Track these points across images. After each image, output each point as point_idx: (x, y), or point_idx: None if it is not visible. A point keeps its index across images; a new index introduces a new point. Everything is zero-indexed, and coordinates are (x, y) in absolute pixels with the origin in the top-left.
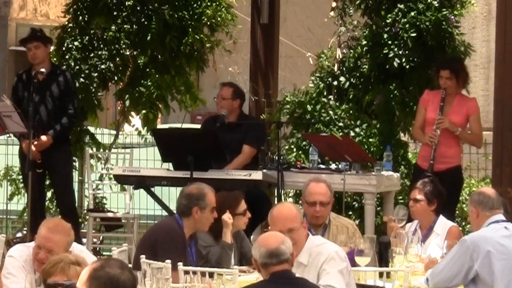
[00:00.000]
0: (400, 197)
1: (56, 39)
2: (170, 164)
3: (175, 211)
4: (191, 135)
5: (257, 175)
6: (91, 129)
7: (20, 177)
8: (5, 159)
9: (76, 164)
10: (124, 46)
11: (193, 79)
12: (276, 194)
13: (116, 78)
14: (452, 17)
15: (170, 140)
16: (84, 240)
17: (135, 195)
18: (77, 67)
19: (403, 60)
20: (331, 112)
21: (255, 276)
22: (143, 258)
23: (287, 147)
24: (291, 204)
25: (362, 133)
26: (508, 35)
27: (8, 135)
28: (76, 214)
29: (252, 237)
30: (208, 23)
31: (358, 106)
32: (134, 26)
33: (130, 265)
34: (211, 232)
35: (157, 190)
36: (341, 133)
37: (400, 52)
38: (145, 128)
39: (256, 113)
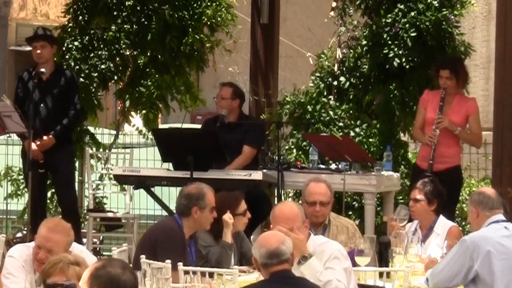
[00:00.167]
0: (400, 197)
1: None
2: (170, 164)
3: (175, 211)
4: (191, 135)
5: (257, 175)
6: (91, 129)
7: (21, 177)
8: (5, 159)
9: (76, 164)
10: (124, 46)
11: (193, 79)
12: (276, 194)
13: (116, 78)
14: (452, 17)
15: (170, 140)
16: (84, 240)
17: (135, 195)
18: (77, 67)
19: (403, 60)
20: (331, 112)
21: (255, 276)
22: (143, 258)
23: (287, 147)
24: (293, 203)
25: (362, 133)
26: (508, 35)
27: (8, 135)
28: (77, 214)
29: (252, 237)
30: (208, 23)
31: (358, 106)
32: (134, 26)
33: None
34: (211, 232)
35: (157, 190)
36: (341, 133)
37: (400, 52)
38: (146, 127)
39: (256, 113)
